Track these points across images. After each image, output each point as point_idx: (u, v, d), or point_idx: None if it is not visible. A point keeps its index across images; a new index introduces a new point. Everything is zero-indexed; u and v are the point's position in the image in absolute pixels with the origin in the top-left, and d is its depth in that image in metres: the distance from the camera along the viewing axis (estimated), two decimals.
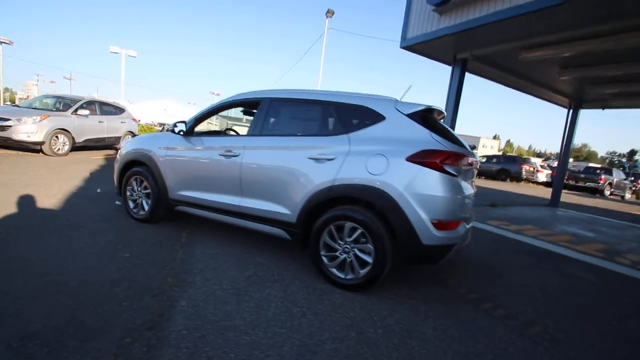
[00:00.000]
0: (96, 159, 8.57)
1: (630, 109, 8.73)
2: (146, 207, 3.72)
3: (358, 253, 2.52)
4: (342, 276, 2.58)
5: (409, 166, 2.36)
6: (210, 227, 3.81)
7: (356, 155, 2.52)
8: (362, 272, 2.50)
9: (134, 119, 11.20)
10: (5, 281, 2.18)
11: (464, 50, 5.75)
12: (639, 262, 4.35)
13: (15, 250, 2.66)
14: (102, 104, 9.77)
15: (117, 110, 10.38)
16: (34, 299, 2.02)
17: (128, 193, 3.86)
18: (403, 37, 5.81)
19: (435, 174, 2.33)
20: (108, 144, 9.99)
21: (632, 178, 21.35)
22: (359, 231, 2.49)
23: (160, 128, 25.29)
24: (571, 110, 8.81)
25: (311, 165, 2.67)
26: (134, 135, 11.14)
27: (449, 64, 6.26)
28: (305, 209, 2.68)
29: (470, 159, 2.54)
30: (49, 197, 4.33)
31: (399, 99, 2.73)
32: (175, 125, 3.37)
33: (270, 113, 3.08)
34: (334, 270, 2.62)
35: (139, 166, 3.75)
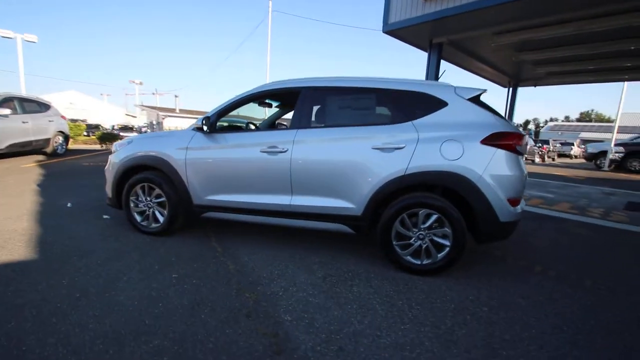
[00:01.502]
0: (28, 167, 7.11)
1: (555, 85, 10.22)
2: (161, 218, 3.23)
3: (435, 238, 2.55)
4: (418, 262, 2.60)
5: (484, 149, 2.43)
6: (233, 231, 3.48)
7: (427, 142, 2.51)
8: (440, 255, 2.55)
9: (62, 117, 9.48)
10: (74, 339, 1.72)
11: (441, 35, 6.04)
12: (604, 214, 5.20)
13: (43, 298, 2.10)
14: (22, 100, 8.03)
15: (42, 107, 8.66)
16: (123, 348, 1.63)
17: (132, 204, 3.30)
18: (385, 22, 5.86)
19: (508, 155, 2.45)
20: (35, 148, 8.33)
21: (540, 144, 25.26)
22: (434, 217, 2.51)
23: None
24: (511, 89, 9.97)
25: (377, 156, 2.58)
26: (65, 135, 9.47)
27: (425, 49, 6.54)
28: (373, 201, 2.61)
29: (526, 138, 2.72)
30: (15, 220, 3.48)
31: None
32: (202, 123, 2.94)
33: (315, 103, 2.87)
34: (409, 258, 2.62)
35: (147, 172, 3.22)
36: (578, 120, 68.27)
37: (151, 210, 3.26)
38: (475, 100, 2.62)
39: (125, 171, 3.28)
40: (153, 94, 47.39)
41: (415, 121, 2.61)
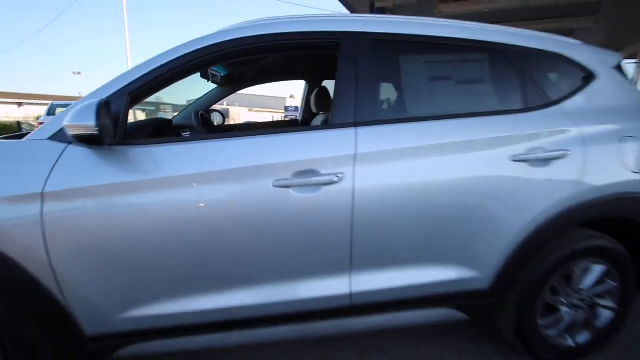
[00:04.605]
0: None
1: None
2: None
3: (597, 300, 1.54)
4: (571, 344, 1.55)
5: None
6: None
7: (599, 143, 1.39)
8: (601, 324, 1.57)
9: None
10: None
11: None
12: None
13: None
14: None
15: None
16: None
17: None
18: None
19: None
20: None
21: None
22: (600, 269, 1.49)
23: None
24: None
25: (523, 174, 1.33)
26: None
27: None
28: (516, 259, 1.38)
29: None
30: None
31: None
32: (95, 120, 0.97)
33: (380, 70, 1.35)
34: (559, 340, 1.55)
35: None
36: None
37: None
38: (620, 69, 1.66)
39: None
40: None
41: (564, 104, 1.45)
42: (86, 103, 0.99)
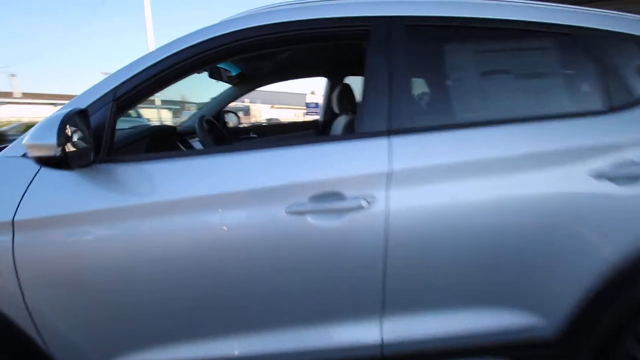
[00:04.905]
0: None
1: None
2: None
3: None
4: None
5: None
6: None
7: None
8: None
9: None
10: None
11: None
12: None
13: None
14: None
15: None
16: None
17: None
18: None
19: None
20: None
21: None
22: None
23: None
24: None
25: (606, 194, 1.03)
26: None
27: None
28: (593, 302, 1.08)
29: None
30: None
31: None
32: (56, 137, 0.74)
33: (417, 63, 1.09)
34: None
35: None
36: None
37: None
38: None
39: None
40: None
41: None
42: (51, 116, 0.81)
